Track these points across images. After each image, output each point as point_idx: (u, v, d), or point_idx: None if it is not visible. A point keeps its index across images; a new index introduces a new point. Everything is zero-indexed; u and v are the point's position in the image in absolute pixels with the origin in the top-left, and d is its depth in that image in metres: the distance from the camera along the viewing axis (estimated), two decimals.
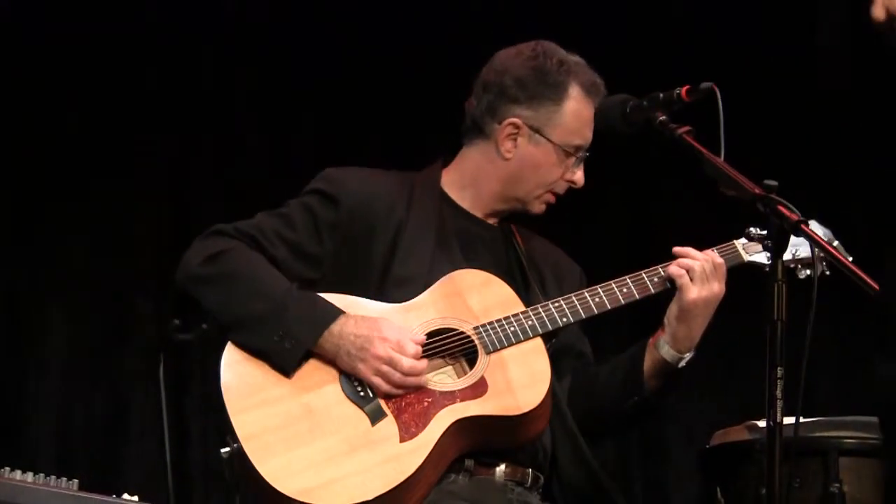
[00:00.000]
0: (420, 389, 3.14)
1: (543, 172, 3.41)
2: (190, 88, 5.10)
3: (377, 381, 3.13)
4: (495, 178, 3.43)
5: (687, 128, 3.01)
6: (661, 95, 3.10)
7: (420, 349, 3.16)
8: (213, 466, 4.88)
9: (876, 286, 2.48)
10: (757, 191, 2.74)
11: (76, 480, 3.01)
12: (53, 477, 2.99)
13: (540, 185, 3.42)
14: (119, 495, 3.06)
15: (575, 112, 3.38)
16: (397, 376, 3.12)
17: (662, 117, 3.07)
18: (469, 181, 3.47)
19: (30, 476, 2.97)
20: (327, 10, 5.16)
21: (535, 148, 3.40)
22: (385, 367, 3.12)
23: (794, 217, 2.65)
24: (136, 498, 3.05)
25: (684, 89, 3.08)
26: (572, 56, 3.43)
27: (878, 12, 1.87)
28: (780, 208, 2.67)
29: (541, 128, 3.39)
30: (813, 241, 2.71)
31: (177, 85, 5.08)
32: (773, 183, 2.74)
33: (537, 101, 3.38)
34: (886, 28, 1.83)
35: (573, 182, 3.43)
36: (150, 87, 5.06)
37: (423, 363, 3.16)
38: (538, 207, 3.46)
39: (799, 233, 2.66)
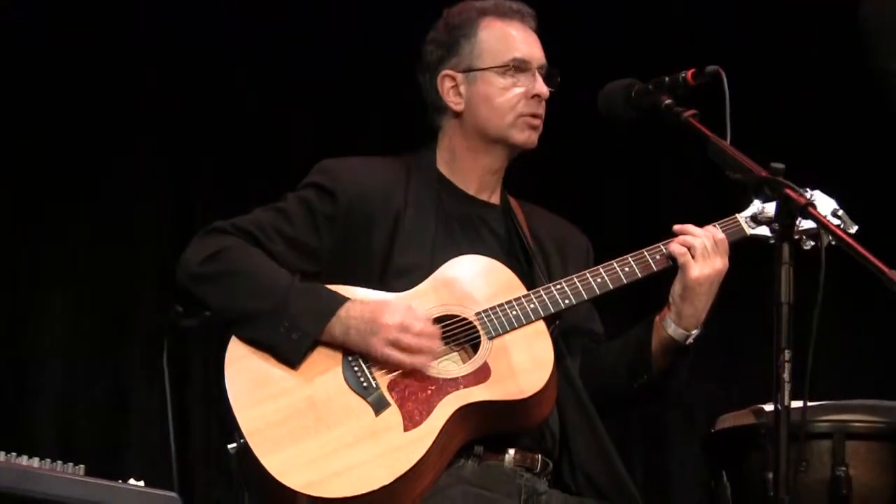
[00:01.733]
0: (424, 377, 3.12)
1: (498, 101, 3.36)
2: (193, 84, 5.12)
3: (389, 351, 3.10)
4: (465, 136, 3.40)
5: (693, 111, 3.01)
6: (667, 79, 3.10)
7: (430, 318, 3.13)
8: (215, 454, 4.90)
9: (882, 265, 2.47)
10: (763, 174, 2.73)
11: (83, 466, 3.00)
12: (60, 462, 2.98)
13: (501, 112, 3.37)
14: (125, 481, 3.05)
15: (492, 33, 3.39)
16: (410, 338, 3.09)
17: (668, 101, 3.07)
18: (450, 156, 3.43)
19: (36, 461, 2.96)
20: (326, 8, 5.17)
21: (475, 85, 3.38)
22: (396, 334, 3.09)
23: (802, 200, 2.63)
24: (142, 483, 3.04)
25: (690, 73, 3.09)
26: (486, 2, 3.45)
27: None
28: (788, 191, 2.65)
29: (469, 65, 3.38)
30: (821, 224, 2.70)
31: (180, 81, 5.11)
32: (780, 166, 2.72)
33: (455, 47, 3.40)
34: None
35: (537, 95, 3.36)
36: (154, 83, 5.09)
37: (437, 328, 3.13)
38: (520, 136, 3.38)
39: (807, 216, 2.65)
